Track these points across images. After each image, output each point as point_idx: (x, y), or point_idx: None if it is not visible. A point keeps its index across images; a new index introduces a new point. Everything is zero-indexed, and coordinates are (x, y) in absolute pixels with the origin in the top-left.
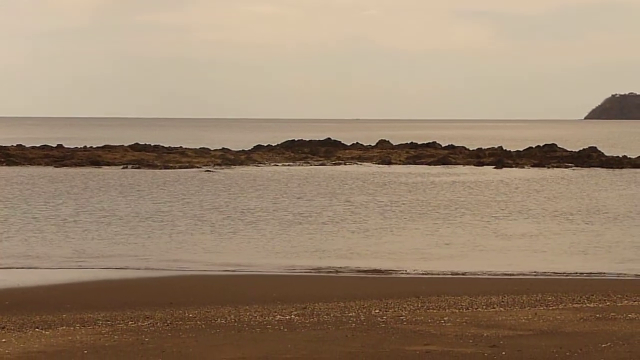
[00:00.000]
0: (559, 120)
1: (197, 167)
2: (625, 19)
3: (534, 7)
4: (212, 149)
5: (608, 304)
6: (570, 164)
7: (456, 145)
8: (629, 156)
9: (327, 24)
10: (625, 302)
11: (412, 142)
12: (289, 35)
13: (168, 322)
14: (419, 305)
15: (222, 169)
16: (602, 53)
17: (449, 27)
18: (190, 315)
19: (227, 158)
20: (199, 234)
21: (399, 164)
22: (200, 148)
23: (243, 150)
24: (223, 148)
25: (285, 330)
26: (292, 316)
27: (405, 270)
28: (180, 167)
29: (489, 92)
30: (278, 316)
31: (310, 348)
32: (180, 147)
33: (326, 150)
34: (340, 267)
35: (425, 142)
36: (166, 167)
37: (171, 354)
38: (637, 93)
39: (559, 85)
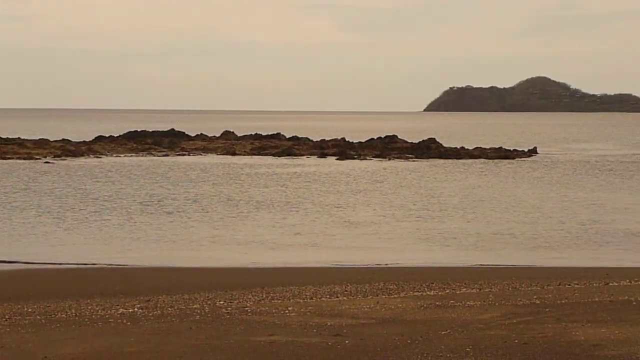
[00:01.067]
0: (400, 112)
1: (36, 159)
2: (464, 15)
3: (381, 0)
4: (52, 140)
5: (447, 291)
6: (410, 155)
7: (300, 136)
8: (466, 147)
9: (174, 12)
10: (464, 289)
11: (256, 134)
12: (138, 24)
13: (6, 317)
14: (264, 296)
15: (63, 160)
16: (441, 47)
17: (294, 19)
18: (30, 310)
19: (68, 149)
20: (40, 225)
21: (244, 155)
22: (40, 139)
23: (84, 141)
24: (63, 139)
25: (129, 323)
26: (136, 309)
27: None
28: (18, 159)
29: (334, 84)
30: (121, 309)
31: (154, 341)
32: (19, 138)
33: (170, 142)
34: (186, 258)
35: (269, 134)
36: (2, 158)
37: (10, 349)
38: (474, 86)
39: (400, 78)
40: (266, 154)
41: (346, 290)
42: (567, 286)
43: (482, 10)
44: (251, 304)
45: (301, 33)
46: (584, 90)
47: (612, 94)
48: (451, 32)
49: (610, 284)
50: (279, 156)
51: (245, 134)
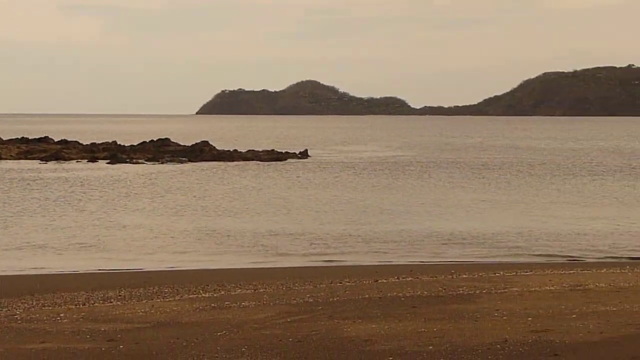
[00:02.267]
0: (172, 115)
1: None
2: (235, 18)
3: (150, 2)
4: None
5: (223, 293)
6: (184, 158)
7: (69, 140)
8: (239, 150)
9: None
10: (239, 290)
11: (23, 137)
12: None
13: None
14: (34, 303)
15: None
16: (212, 50)
17: (60, 19)
18: None
19: None
20: None
21: (9, 160)
22: None
23: None
24: None
25: None
26: None
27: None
28: None
29: (103, 86)
30: None
31: None
32: None
33: None
34: None
35: (37, 137)
36: None
37: None
38: (246, 89)
39: (172, 80)
40: (34, 158)
41: (120, 295)
42: (338, 284)
43: (253, 14)
44: (21, 312)
45: (69, 34)
46: (352, 93)
47: (379, 97)
48: (222, 35)
49: (380, 281)
50: (47, 160)
51: (11, 137)
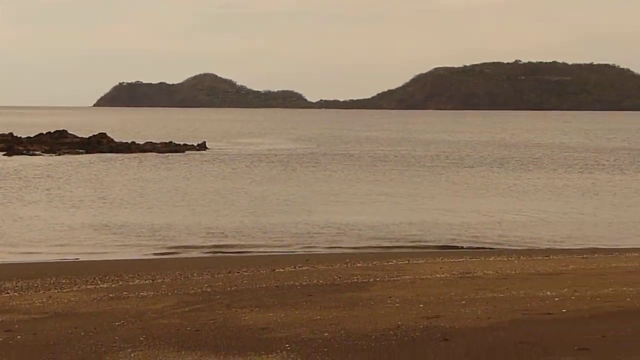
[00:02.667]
0: (70, 107)
1: None
2: (133, 9)
3: None
4: None
5: (121, 283)
6: (81, 150)
7: None
8: (137, 142)
9: None
10: (137, 281)
11: None
12: None
13: None
14: None
15: None
16: (110, 41)
17: None
18: None
19: None
20: None
21: None
22: None
23: None
24: None
25: None
26: None
27: None
28: None
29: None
30: None
31: None
32: None
33: None
34: None
35: None
36: None
37: None
38: (144, 82)
39: (70, 72)
40: None
41: (17, 286)
42: (236, 274)
43: (151, 6)
44: None
45: None
46: (249, 87)
47: (276, 90)
48: (120, 27)
49: (277, 270)
50: None
51: None
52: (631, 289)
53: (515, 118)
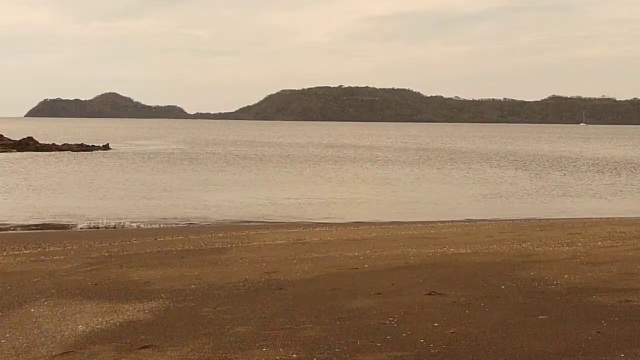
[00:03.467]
0: (4, 117)
1: None
2: (53, 42)
3: None
4: None
5: (39, 250)
6: (13, 149)
7: None
8: (56, 143)
9: None
10: (52, 248)
11: None
12: None
13: None
14: None
15: None
16: (41, 65)
17: None
18: None
19: None
20: None
21: None
22: None
23: None
24: None
25: None
26: None
27: None
28: None
29: None
30: None
31: None
32: None
33: None
34: None
35: None
36: None
37: None
38: (63, 98)
39: (5, 88)
40: None
41: None
42: (127, 242)
43: (74, 41)
44: None
45: None
46: (143, 102)
47: (163, 105)
48: (46, 57)
49: (159, 239)
50: None
51: None
52: (414, 250)
53: (339, 127)
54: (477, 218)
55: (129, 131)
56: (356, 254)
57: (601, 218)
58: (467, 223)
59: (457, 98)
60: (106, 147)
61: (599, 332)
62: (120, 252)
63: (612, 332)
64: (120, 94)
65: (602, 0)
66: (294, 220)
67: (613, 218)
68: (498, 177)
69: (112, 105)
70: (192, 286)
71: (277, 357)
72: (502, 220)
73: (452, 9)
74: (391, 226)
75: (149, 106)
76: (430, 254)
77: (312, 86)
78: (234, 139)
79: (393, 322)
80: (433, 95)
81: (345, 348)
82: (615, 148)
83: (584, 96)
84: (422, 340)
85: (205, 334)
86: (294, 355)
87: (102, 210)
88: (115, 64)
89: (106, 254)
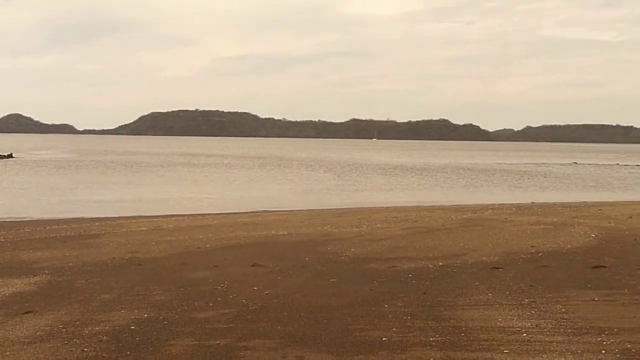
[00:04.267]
0: None
1: None
2: None
3: None
4: None
5: None
6: None
7: None
8: None
9: None
10: None
11: None
12: None
13: None
14: None
15: None
16: None
17: None
18: None
19: None
20: None
21: None
22: None
23: None
24: None
25: None
26: None
27: None
28: None
29: None
30: None
31: None
32: None
33: None
34: None
35: None
36: None
37: None
38: None
39: None
40: None
41: None
42: (21, 231)
43: None
44: None
45: None
46: (42, 121)
47: (58, 123)
48: None
49: (47, 228)
50: None
51: None
52: (244, 233)
53: (195, 141)
54: (294, 208)
55: (29, 144)
56: (201, 237)
57: (382, 207)
58: (285, 212)
59: (284, 119)
60: (10, 156)
61: (371, 289)
62: (14, 239)
63: (381, 289)
64: (23, 114)
65: (385, 50)
66: (156, 213)
67: (390, 207)
68: (311, 178)
69: (17, 124)
70: (70, 264)
71: (132, 317)
72: (312, 209)
73: (283, 53)
74: (229, 215)
75: (47, 124)
76: (256, 236)
77: (175, 109)
78: (113, 150)
79: (223, 288)
80: (267, 117)
81: (186, 308)
82: (396, 157)
83: (375, 119)
84: (244, 301)
85: (77, 301)
86: (145, 315)
87: (2, 207)
88: (20, 91)
89: (2, 240)
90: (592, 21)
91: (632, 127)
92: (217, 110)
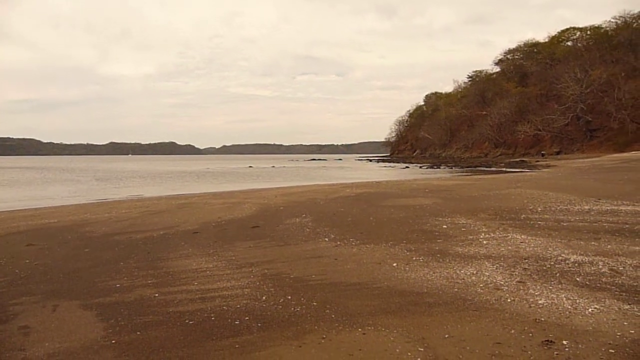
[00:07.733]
0: None
1: None
2: None
3: None
4: None
5: None
6: None
7: None
8: None
9: None
10: None
11: None
12: None
13: None
14: None
15: None
16: None
17: None
18: None
19: None
20: None
21: None
22: None
23: None
24: None
25: None
26: None
27: None
28: None
29: None
30: None
31: None
32: None
33: None
34: None
35: None
36: None
37: None
38: None
39: None
40: None
41: None
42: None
43: None
44: None
45: None
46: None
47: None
48: None
49: None
50: None
51: None
52: (24, 222)
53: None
54: (65, 203)
55: None
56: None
57: (129, 199)
58: (58, 206)
59: (62, 143)
60: None
61: (113, 254)
62: None
63: (119, 253)
64: None
65: (130, 97)
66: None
67: (134, 199)
68: (81, 180)
69: None
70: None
71: None
72: (79, 203)
73: (58, 97)
74: (14, 212)
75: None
76: (33, 224)
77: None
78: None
79: (2, 262)
80: (48, 141)
81: None
82: (144, 167)
83: (127, 142)
84: (17, 271)
85: None
86: None
87: None
88: None
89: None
90: (256, 84)
91: (282, 144)
92: (8, 137)
